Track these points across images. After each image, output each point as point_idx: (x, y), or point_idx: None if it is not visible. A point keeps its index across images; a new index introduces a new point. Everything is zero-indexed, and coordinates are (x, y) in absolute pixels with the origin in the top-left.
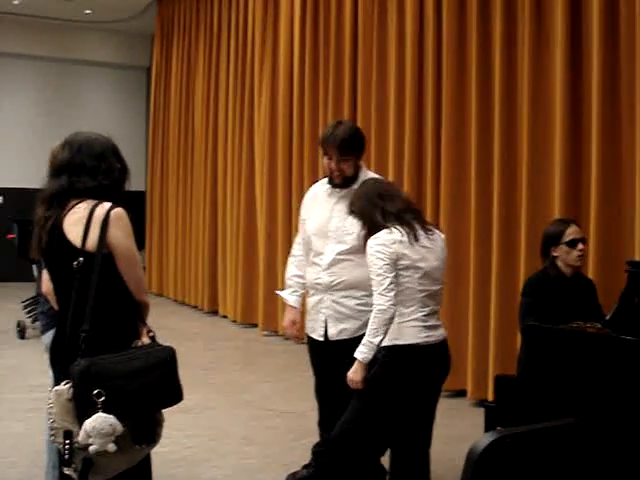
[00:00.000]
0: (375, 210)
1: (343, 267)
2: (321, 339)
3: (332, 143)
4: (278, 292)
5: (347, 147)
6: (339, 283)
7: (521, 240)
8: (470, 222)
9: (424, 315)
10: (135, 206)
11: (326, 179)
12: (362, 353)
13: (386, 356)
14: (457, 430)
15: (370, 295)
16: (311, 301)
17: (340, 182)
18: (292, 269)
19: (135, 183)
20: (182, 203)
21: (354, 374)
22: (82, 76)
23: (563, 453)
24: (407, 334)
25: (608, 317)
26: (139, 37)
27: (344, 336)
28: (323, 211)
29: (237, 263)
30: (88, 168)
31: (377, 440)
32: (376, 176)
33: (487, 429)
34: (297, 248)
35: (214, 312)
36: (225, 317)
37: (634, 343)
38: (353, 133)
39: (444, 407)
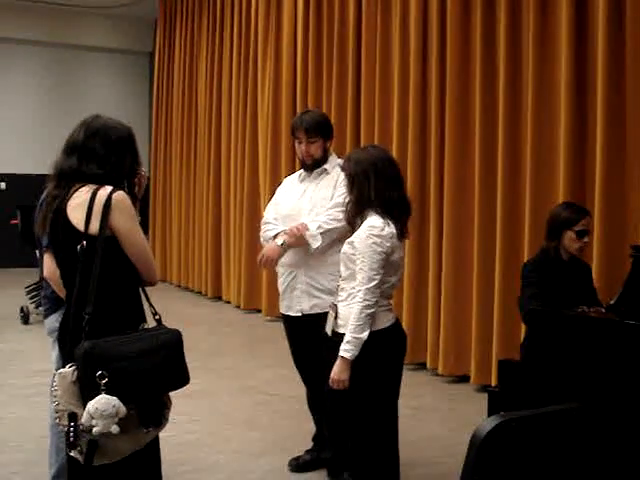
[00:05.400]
0: (365, 183)
1: None
2: (299, 314)
3: (300, 126)
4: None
5: (314, 130)
6: (313, 256)
7: (525, 226)
8: (474, 208)
9: (389, 300)
10: None
11: (298, 173)
12: (349, 351)
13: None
14: (460, 415)
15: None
16: (284, 281)
17: (311, 163)
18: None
19: None
20: (185, 188)
21: (340, 374)
22: (85, 61)
23: (567, 437)
24: (378, 319)
25: (612, 302)
26: (142, 22)
27: (317, 310)
28: (295, 193)
29: (240, 249)
30: (98, 156)
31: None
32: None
33: (490, 414)
34: (269, 217)
35: (218, 298)
36: (228, 303)
37: (638, 328)
38: (319, 118)
39: (448, 393)
